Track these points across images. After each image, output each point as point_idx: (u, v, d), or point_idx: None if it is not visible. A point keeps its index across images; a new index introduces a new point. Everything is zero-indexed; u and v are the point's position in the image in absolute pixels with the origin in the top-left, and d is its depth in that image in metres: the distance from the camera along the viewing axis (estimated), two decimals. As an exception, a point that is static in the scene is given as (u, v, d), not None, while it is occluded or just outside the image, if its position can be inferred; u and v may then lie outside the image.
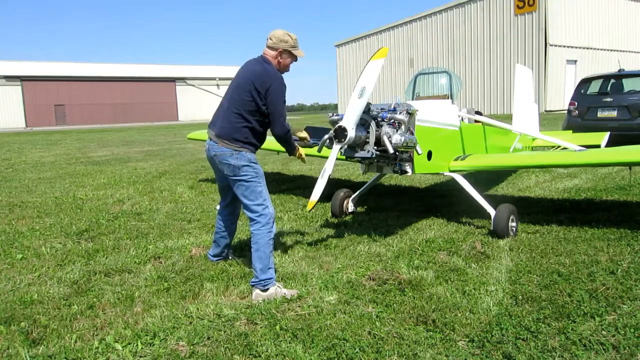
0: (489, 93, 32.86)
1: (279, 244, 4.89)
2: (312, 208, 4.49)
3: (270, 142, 7.86)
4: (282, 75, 3.82)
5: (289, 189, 8.01)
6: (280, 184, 8.62)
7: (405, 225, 5.46)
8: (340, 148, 4.47)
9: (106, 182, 9.43)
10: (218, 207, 6.54)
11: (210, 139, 3.81)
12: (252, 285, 3.66)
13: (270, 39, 3.75)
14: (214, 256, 4.40)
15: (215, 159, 3.79)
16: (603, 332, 2.90)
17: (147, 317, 3.29)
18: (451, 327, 3.01)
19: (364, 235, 5.07)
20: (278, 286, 3.65)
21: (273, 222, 3.75)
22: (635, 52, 34.11)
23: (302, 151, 4.15)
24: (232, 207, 4.24)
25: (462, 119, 5.85)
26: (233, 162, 3.70)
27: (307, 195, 7.24)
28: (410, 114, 4.61)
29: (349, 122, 4.31)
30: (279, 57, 3.76)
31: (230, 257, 4.46)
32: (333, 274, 3.99)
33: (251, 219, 3.74)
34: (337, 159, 4.43)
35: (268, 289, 3.60)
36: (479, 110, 8.69)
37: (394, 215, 5.94)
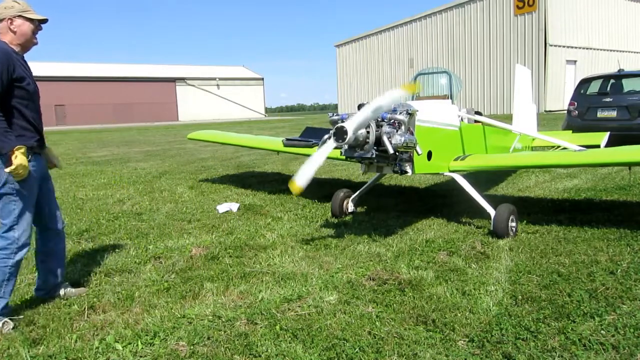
0: (489, 93, 32.86)
1: (279, 244, 4.89)
2: (297, 192, 4.47)
3: (270, 142, 7.87)
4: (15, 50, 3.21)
5: (289, 189, 7.97)
6: (280, 184, 8.60)
7: (405, 225, 5.46)
8: (339, 148, 4.46)
9: (106, 182, 9.44)
10: (218, 207, 6.58)
11: None
12: None
13: None
14: (36, 289, 3.71)
15: None
16: (603, 332, 2.90)
17: (147, 317, 3.29)
18: (451, 327, 3.01)
19: (364, 235, 5.07)
20: (5, 321, 3.21)
21: (18, 251, 3.24)
22: (635, 52, 34.13)
23: (22, 160, 3.06)
24: (40, 226, 3.56)
25: (462, 119, 5.85)
26: None
27: (307, 195, 7.26)
28: (410, 114, 4.61)
29: (352, 125, 4.27)
30: (11, 26, 3.20)
31: (62, 291, 3.72)
32: (333, 274, 4.00)
33: None
34: (336, 159, 4.41)
35: None
36: (479, 110, 8.69)
37: (394, 215, 5.93)
